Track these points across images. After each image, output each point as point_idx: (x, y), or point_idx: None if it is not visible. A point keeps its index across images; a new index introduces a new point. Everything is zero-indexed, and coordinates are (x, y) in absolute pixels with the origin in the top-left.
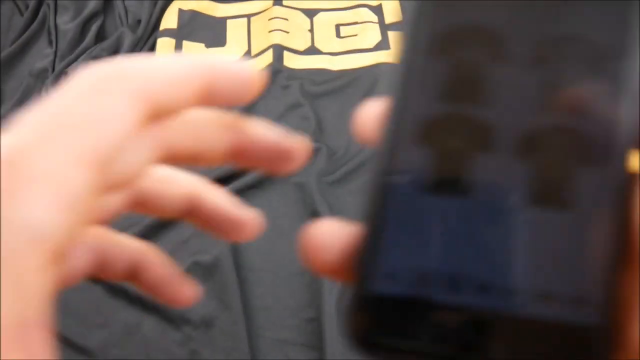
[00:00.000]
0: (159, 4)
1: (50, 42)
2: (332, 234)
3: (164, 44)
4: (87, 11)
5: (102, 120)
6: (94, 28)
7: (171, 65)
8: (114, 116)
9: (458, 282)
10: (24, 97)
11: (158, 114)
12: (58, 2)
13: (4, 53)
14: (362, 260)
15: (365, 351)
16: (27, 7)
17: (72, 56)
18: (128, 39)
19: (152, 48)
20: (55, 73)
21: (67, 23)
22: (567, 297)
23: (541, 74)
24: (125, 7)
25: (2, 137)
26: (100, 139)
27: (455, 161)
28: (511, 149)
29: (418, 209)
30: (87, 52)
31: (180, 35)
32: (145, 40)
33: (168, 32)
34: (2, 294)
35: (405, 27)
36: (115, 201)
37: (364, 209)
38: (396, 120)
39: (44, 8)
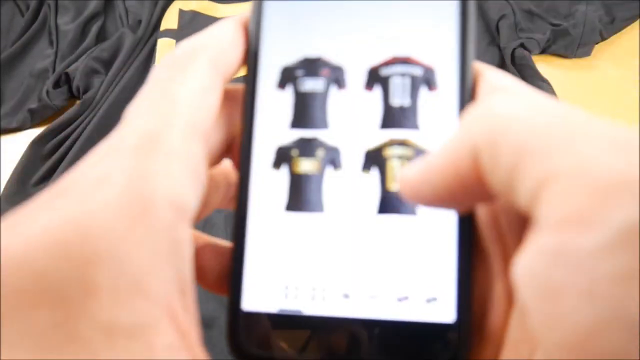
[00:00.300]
0: (160, 5)
1: (50, 43)
2: (211, 256)
3: (165, 44)
4: (87, 12)
5: (207, 102)
6: (94, 28)
7: (227, 34)
8: (213, 95)
9: (323, 294)
10: (25, 98)
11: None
12: (59, 2)
13: (5, 53)
14: (232, 279)
15: None
16: (27, 7)
17: (73, 56)
18: (128, 39)
19: (153, 48)
20: (55, 73)
21: (67, 23)
22: (424, 298)
23: (376, 97)
24: (125, 8)
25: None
26: (207, 115)
27: (308, 181)
28: (357, 166)
29: (279, 229)
30: (88, 52)
31: (181, 35)
32: (145, 41)
33: (168, 33)
34: (163, 265)
35: (249, 59)
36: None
37: (232, 232)
38: (249, 148)
39: (44, 8)
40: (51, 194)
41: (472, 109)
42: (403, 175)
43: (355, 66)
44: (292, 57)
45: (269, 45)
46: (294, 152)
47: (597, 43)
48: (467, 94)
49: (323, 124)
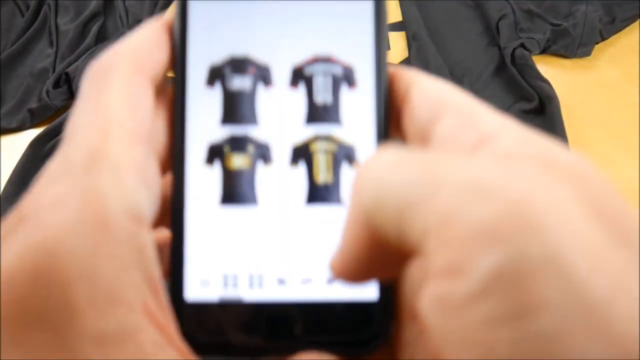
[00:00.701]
0: (160, 5)
1: (50, 43)
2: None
3: None
4: (87, 12)
5: (139, 105)
6: (94, 28)
7: (149, 36)
8: (144, 98)
9: (259, 280)
10: (25, 98)
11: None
12: (59, 2)
13: (5, 53)
14: (173, 272)
15: (196, 351)
16: (27, 7)
17: (73, 56)
18: None
19: None
20: (55, 73)
21: (67, 23)
22: None
23: (301, 93)
24: (125, 8)
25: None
26: (142, 118)
27: (240, 175)
28: (285, 161)
29: (215, 221)
30: (88, 52)
31: None
32: None
33: None
34: (131, 271)
35: (177, 59)
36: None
37: (170, 226)
38: (182, 145)
39: (44, 8)
40: (13, 221)
41: (356, 174)
42: (331, 263)
43: (280, 65)
44: (219, 56)
45: (195, 45)
46: (226, 148)
47: (597, 43)
48: (383, 91)
49: (253, 120)
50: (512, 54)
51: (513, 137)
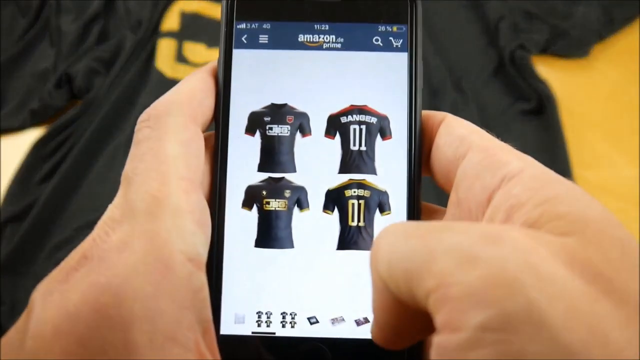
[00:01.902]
0: (160, 5)
1: (52, 43)
2: None
3: (165, 45)
4: (88, 12)
5: (194, 153)
6: (95, 29)
7: (199, 86)
8: (197, 146)
9: (292, 318)
10: (26, 98)
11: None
12: (60, 3)
13: (6, 54)
14: (210, 307)
15: None
16: (29, 8)
17: (74, 57)
18: (130, 40)
19: (153, 49)
20: (57, 74)
21: (69, 24)
22: None
23: (336, 141)
24: (126, 8)
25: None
26: (196, 165)
27: (276, 219)
28: (320, 206)
29: (251, 261)
30: (89, 53)
31: (182, 36)
32: (146, 41)
33: (169, 33)
34: (187, 313)
35: (220, 107)
36: None
37: (208, 265)
38: (221, 188)
39: (46, 9)
40: (75, 259)
41: (372, 247)
42: (371, 332)
43: (317, 113)
44: (259, 104)
45: (237, 93)
46: (264, 193)
47: (596, 43)
48: (417, 139)
49: (290, 166)
50: (511, 55)
51: (528, 184)
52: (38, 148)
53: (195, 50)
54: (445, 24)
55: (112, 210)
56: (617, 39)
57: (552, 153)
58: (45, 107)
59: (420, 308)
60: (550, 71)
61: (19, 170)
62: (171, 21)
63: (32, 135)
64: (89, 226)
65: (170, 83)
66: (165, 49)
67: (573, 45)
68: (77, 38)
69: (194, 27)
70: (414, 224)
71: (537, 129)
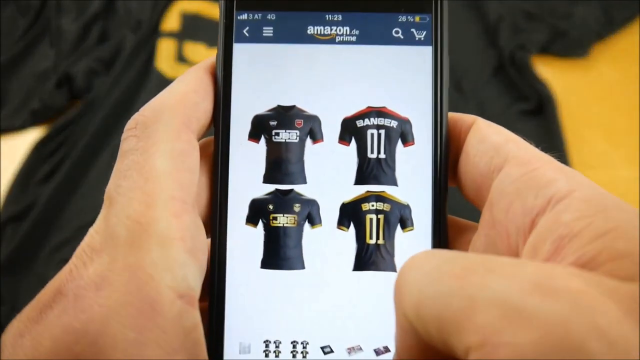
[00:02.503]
0: (160, 5)
1: (52, 44)
2: None
3: (166, 45)
4: (89, 12)
5: (186, 166)
6: (96, 29)
7: (194, 86)
8: (191, 157)
9: (304, 347)
10: (27, 98)
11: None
12: (60, 3)
13: (6, 54)
14: (212, 335)
15: None
16: (29, 8)
17: (74, 57)
18: (130, 40)
19: (154, 49)
20: (57, 74)
21: (69, 24)
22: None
23: (352, 147)
24: (126, 8)
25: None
26: (190, 181)
27: (285, 236)
28: (334, 221)
29: (257, 284)
30: (89, 53)
31: (182, 36)
32: (147, 42)
33: (170, 34)
34: (178, 356)
35: (219, 109)
36: None
37: (209, 289)
38: (223, 202)
39: (46, 9)
40: (50, 293)
41: (396, 282)
42: None
43: (330, 116)
44: (263, 106)
45: (238, 94)
46: (270, 207)
47: (596, 43)
48: (443, 145)
49: (300, 177)
50: (511, 55)
51: (580, 210)
52: (38, 148)
53: (196, 50)
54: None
55: (92, 235)
56: (617, 39)
57: (552, 153)
58: (46, 107)
59: (454, 356)
60: (550, 71)
61: (19, 170)
62: (171, 21)
63: (32, 135)
64: (89, 226)
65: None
66: (165, 49)
67: (573, 45)
68: (77, 38)
69: (194, 27)
70: (447, 255)
71: (536, 129)
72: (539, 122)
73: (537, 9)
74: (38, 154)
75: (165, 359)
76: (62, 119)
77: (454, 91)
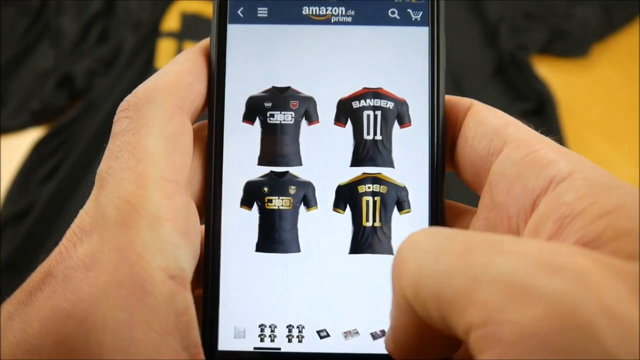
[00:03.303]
0: (161, 5)
1: (52, 44)
2: None
3: (166, 45)
4: (89, 12)
5: (179, 147)
6: (96, 29)
7: (188, 68)
8: (184, 138)
9: (300, 331)
10: (27, 99)
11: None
12: (60, 3)
13: (6, 54)
14: (206, 321)
15: None
16: (29, 8)
17: (74, 57)
18: (130, 40)
19: (154, 49)
20: (57, 74)
21: (69, 24)
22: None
23: (348, 129)
24: (127, 9)
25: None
26: (182, 162)
27: (280, 219)
28: (329, 204)
29: (252, 268)
30: (90, 53)
31: (182, 36)
32: (147, 42)
33: (170, 34)
34: (170, 339)
35: (213, 91)
36: None
37: (203, 273)
38: (217, 185)
39: (46, 9)
40: (40, 275)
41: (395, 259)
42: (385, 341)
43: (325, 98)
44: (258, 88)
45: (233, 76)
46: (265, 190)
47: (596, 43)
48: (440, 126)
49: (295, 159)
50: (511, 55)
51: (582, 190)
52: (38, 148)
53: None
54: (446, 24)
55: (82, 217)
56: (617, 39)
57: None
58: (46, 107)
59: (452, 335)
60: (550, 71)
61: (19, 170)
62: (171, 21)
63: (32, 135)
64: None
65: None
66: (165, 49)
67: (573, 45)
68: (77, 38)
69: (194, 28)
70: (448, 234)
71: (536, 128)
72: (539, 122)
73: (537, 9)
74: (38, 154)
75: (155, 342)
76: (62, 119)
77: (454, 91)
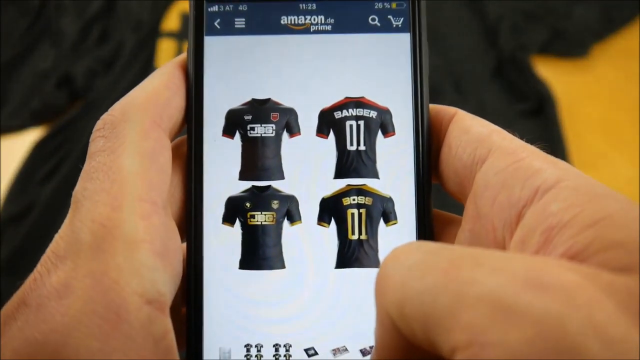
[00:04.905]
0: (161, 6)
1: (52, 44)
2: None
3: (166, 45)
4: (89, 13)
5: (156, 166)
6: (96, 29)
7: (165, 83)
8: (162, 155)
9: (287, 350)
10: (27, 99)
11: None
12: (61, 3)
13: (6, 54)
14: (190, 341)
15: None
16: (29, 8)
17: (74, 57)
18: (130, 40)
19: (154, 49)
20: (57, 74)
21: (69, 24)
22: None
23: (330, 140)
24: (127, 9)
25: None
26: (160, 181)
27: (263, 235)
28: (314, 218)
29: (234, 286)
30: (89, 53)
31: (182, 36)
32: (147, 42)
33: (169, 33)
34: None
35: (191, 105)
36: None
37: (187, 291)
38: (197, 202)
39: (46, 9)
40: (14, 304)
41: (378, 276)
42: None
43: (307, 108)
44: (238, 100)
45: (211, 88)
46: (247, 204)
47: (596, 43)
48: (425, 135)
49: (277, 172)
50: (511, 55)
51: (569, 200)
52: (38, 148)
53: None
54: (445, 24)
55: (57, 241)
56: (617, 39)
57: (552, 153)
58: (46, 107)
59: (438, 356)
60: (550, 71)
61: (19, 170)
62: (171, 21)
63: (32, 136)
64: None
65: None
66: (165, 50)
67: (573, 45)
68: (77, 38)
69: None
70: (433, 248)
71: (536, 129)
72: (539, 122)
73: (537, 9)
74: (38, 154)
75: None
76: (62, 119)
77: (454, 91)
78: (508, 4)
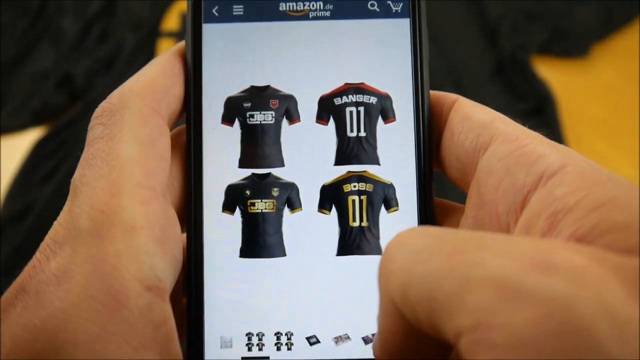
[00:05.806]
0: (161, 5)
1: (52, 44)
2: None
3: (166, 45)
4: (89, 13)
5: (155, 152)
6: (96, 29)
7: (163, 70)
8: (160, 142)
9: (288, 339)
10: (27, 99)
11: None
12: (60, 3)
13: (6, 54)
14: (191, 331)
15: None
16: (29, 8)
17: (75, 57)
18: (130, 40)
19: (154, 49)
20: (57, 74)
21: (69, 24)
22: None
23: (330, 126)
24: (127, 9)
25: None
26: (158, 167)
27: (264, 223)
28: (315, 205)
29: (235, 274)
30: (90, 53)
31: (182, 36)
32: (147, 42)
33: (169, 33)
34: (147, 353)
35: (190, 93)
36: None
37: (187, 280)
38: (197, 190)
39: (46, 9)
40: (12, 292)
41: (382, 260)
42: (373, 347)
43: (306, 95)
44: (237, 88)
45: (210, 76)
46: (247, 193)
47: (596, 43)
48: (426, 121)
49: (277, 160)
50: (511, 55)
51: (574, 184)
52: (38, 148)
53: None
54: (445, 24)
55: (56, 228)
56: (617, 39)
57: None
58: (46, 107)
59: (442, 340)
60: (550, 71)
61: (19, 170)
62: (171, 21)
63: (32, 136)
64: None
65: None
66: (165, 49)
67: (573, 45)
68: (77, 38)
69: None
70: (438, 233)
71: (536, 129)
72: (539, 122)
73: (537, 9)
74: (38, 154)
75: (132, 356)
76: (62, 119)
77: (454, 91)
78: (508, 4)
